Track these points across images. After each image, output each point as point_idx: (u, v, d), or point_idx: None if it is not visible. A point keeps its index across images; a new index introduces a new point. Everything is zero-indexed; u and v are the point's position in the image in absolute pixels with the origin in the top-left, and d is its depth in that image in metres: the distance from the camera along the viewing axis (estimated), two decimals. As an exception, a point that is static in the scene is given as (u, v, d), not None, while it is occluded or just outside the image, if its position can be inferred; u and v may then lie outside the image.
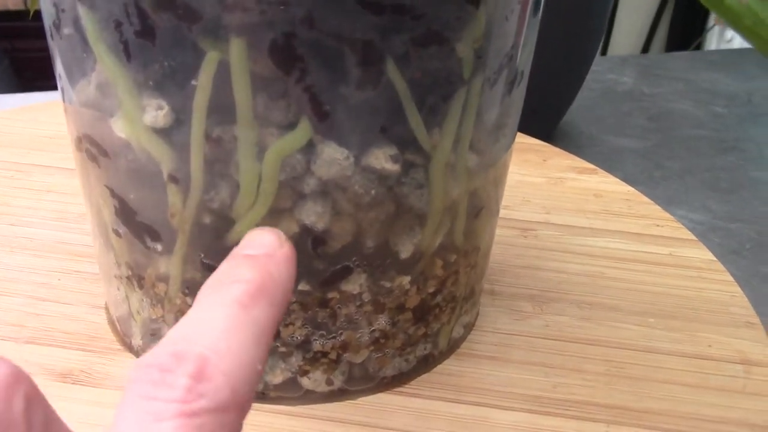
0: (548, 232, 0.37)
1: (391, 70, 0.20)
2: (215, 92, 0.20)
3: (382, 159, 0.22)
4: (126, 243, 0.24)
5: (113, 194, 0.24)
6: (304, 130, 0.21)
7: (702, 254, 0.36)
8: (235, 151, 0.21)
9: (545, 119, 0.53)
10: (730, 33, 1.57)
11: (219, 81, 0.20)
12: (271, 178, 0.21)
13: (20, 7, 1.16)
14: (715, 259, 0.35)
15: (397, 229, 0.23)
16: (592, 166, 0.43)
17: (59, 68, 0.23)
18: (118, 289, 0.26)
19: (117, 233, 0.24)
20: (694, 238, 0.37)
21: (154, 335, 0.26)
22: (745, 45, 1.51)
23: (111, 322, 0.28)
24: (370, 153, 0.22)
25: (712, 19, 1.62)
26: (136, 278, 0.25)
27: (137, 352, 0.27)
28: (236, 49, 0.20)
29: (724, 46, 1.60)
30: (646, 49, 1.70)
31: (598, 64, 0.71)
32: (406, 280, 0.24)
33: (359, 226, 0.23)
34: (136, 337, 0.27)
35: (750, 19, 0.14)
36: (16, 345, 0.27)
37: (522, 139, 0.45)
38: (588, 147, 0.55)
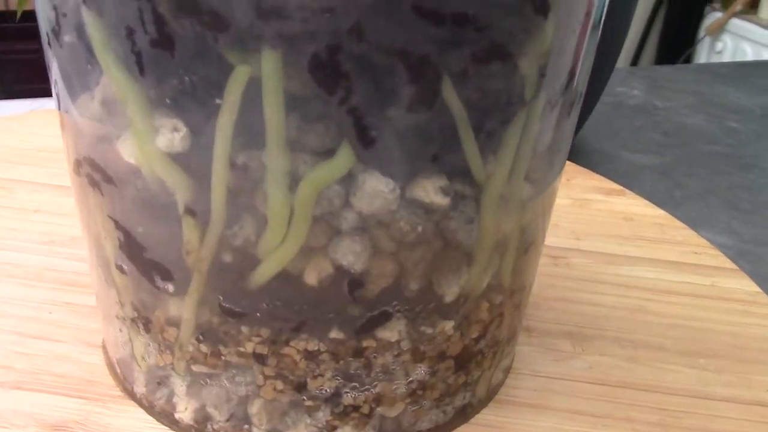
0: (580, 260, 0.34)
1: (447, 90, 0.18)
2: (242, 112, 0.17)
3: (431, 191, 0.19)
4: (131, 281, 0.21)
5: (118, 226, 0.21)
6: (344, 158, 0.18)
7: (746, 285, 0.33)
8: (263, 180, 0.18)
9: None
10: (720, 44, 1.57)
11: (247, 100, 0.17)
12: (304, 213, 0.18)
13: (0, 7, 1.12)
14: (760, 290, 0.33)
15: (442, 270, 0.20)
16: (618, 187, 0.40)
17: (57, 80, 0.20)
18: (120, 330, 0.23)
19: (121, 269, 0.21)
20: (735, 267, 0.34)
21: (161, 384, 0.23)
22: (737, 58, 1.50)
23: (109, 364, 0.25)
24: (417, 184, 0.19)
25: (703, 29, 1.62)
26: (143, 320, 0.22)
27: (140, 401, 0.24)
28: (270, 64, 0.17)
29: (714, 57, 1.59)
30: (636, 58, 1.69)
31: (607, 76, 0.68)
32: (449, 325, 0.22)
33: (401, 267, 0.20)
34: (139, 384, 0.24)
35: None
36: (3, 391, 0.24)
37: (543, 156, 0.42)
38: (604, 164, 0.52)
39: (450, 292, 0.21)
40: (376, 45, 0.16)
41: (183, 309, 0.21)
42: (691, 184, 0.51)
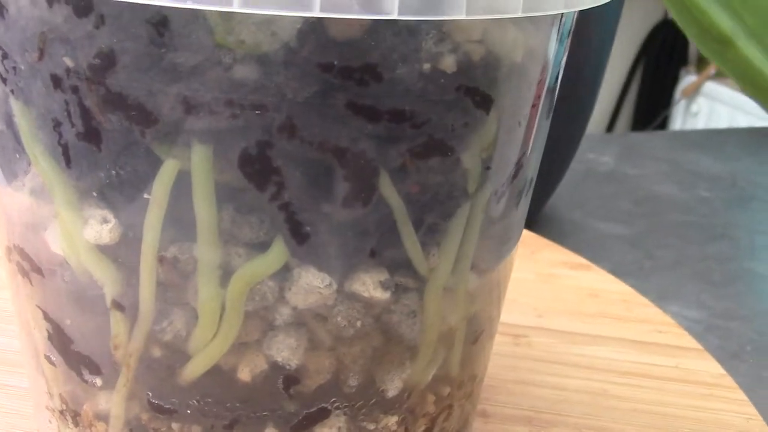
0: (542, 339, 0.33)
1: (385, 186, 0.17)
2: (173, 205, 0.17)
3: (371, 286, 0.18)
4: (60, 373, 0.20)
5: (46, 317, 0.20)
6: (278, 254, 0.17)
7: (710, 367, 0.32)
8: (194, 274, 0.18)
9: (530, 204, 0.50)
10: (695, 106, 1.59)
11: (177, 193, 0.17)
12: (236, 308, 0.18)
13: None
14: (724, 372, 0.32)
15: (384, 364, 0.20)
16: (585, 262, 0.40)
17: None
18: (50, 422, 0.22)
19: (50, 360, 0.20)
20: (699, 347, 0.34)
21: (90, 480, 0.22)
22: (712, 119, 1.52)
23: (42, 454, 0.24)
24: (356, 279, 0.18)
25: (679, 92, 1.64)
26: (71, 413, 0.21)
27: (70, 496, 0.23)
28: (199, 158, 0.16)
29: (690, 119, 1.61)
30: (613, 121, 1.71)
31: (579, 142, 0.68)
32: (392, 420, 0.21)
33: (340, 362, 0.19)
34: (70, 479, 0.22)
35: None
36: (-75, 484, 0.23)
37: (509, 228, 0.42)
38: (573, 234, 0.52)
39: (392, 387, 0.20)
40: (308, 141, 0.16)
41: (111, 403, 0.20)
42: (661, 254, 0.51)
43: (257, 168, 0.16)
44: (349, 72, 0.16)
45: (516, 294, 0.36)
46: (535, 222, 0.52)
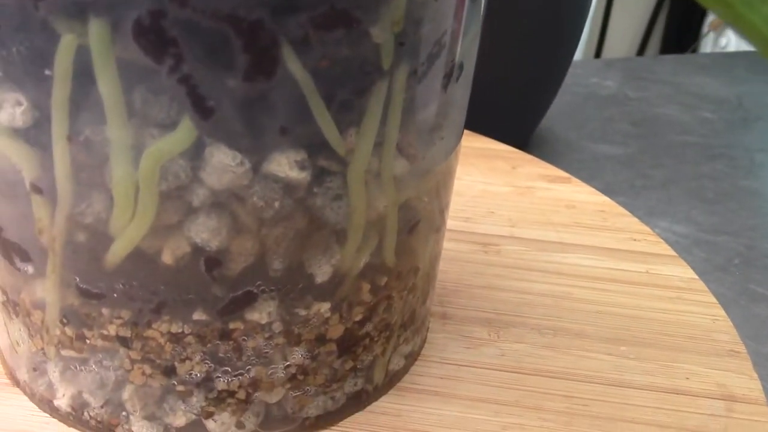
0: (512, 247, 0.33)
1: (289, 58, 0.17)
2: (79, 84, 0.17)
3: (286, 165, 0.18)
4: (-3, 264, 0.21)
5: (-23, 206, 0.20)
6: (186, 131, 0.17)
7: (682, 272, 0.32)
8: (108, 155, 0.18)
9: (520, 125, 0.49)
10: (725, 39, 1.54)
11: (81, 71, 0.17)
12: (149, 188, 0.18)
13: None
14: (696, 277, 0.32)
15: (310, 248, 0.20)
16: (565, 175, 0.39)
17: None
18: (-3, 316, 0.23)
19: (-13, 252, 0.21)
20: (673, 253, 0.33)
21: (36, 370, 0.22)
22: (738, 47, 1.47)
23: None
24: (271, 158, 0.18)
25: (707, 25, 1.59)
26: (11, 304, 0.21)
27: (23, 388, 0.23)
28: (97, 32, 0.16)
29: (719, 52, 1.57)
30: (640, 54, 1.66)
31: (582, 67, 0.67)
32: (325, 307, 0.21)
33: (263, 245, 0.19)
34: (21, 371, 0.23)
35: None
36: None
37: (490, 144, 0.41)
38: (566, 154, 0.51)
39: (321, 272, 0.20)
40: (201, 10, 0.16)
41: (45, 291, 0.20)
42: (655, 174, 0.50)
43: (152, 40, 0.16)
44: (237, -65, 0.15)
45: (491, 206, 0.36)
46: (527, 143, 0.52)
